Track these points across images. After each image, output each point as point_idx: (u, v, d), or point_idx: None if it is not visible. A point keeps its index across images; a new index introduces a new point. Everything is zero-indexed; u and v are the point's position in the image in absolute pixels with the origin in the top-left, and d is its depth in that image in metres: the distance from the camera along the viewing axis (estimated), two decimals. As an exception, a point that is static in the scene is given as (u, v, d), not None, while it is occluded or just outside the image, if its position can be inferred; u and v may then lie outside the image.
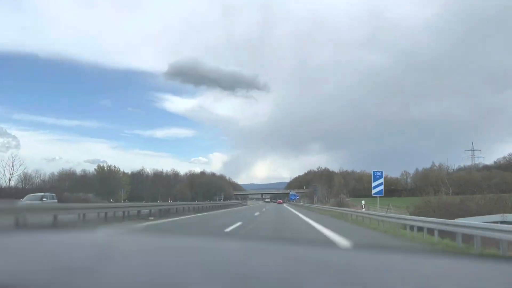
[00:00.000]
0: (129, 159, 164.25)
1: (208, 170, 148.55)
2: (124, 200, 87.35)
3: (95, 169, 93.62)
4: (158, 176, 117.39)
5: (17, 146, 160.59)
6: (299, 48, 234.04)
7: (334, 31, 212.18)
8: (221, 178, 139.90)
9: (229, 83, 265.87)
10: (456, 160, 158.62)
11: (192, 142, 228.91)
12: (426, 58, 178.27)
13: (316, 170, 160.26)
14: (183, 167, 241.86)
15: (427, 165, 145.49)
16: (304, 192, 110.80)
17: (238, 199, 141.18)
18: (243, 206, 49.49)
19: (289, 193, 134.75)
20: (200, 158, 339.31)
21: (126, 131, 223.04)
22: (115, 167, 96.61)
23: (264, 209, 38.31)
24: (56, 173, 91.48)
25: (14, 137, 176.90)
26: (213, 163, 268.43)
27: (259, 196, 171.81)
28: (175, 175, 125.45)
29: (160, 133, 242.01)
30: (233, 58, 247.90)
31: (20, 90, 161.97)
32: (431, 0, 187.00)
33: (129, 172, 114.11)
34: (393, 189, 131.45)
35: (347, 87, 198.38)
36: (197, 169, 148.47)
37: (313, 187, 57.67)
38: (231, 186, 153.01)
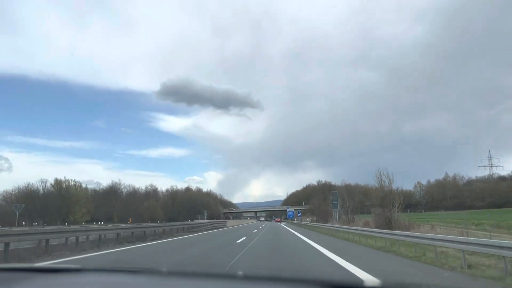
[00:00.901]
0: (123, 180, 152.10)
1: (204, 189, 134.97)
2: (85, 222, 70.43)
3: (51, 185, 76.36)
4: (132, 194, 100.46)
5: (10, 168, 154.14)
6: (291, 66, 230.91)
7: (325, 49, 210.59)
8: (208, 195, 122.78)
9: (222, 102, 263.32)
10: (455, 170, 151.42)
11: (186, 161, 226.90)
12: (417, 75, 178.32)
13: (315, 184, 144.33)
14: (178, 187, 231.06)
15: (423, 181, 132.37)
16: (306, 208, 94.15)
17: (229, 218, 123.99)
18: (213, 231, 29.75)
19: (286, 210, 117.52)
20: (195, 177, 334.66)
21: (120, 152, 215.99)
22: (75, 181, 79.47)
23: (243, 239, 19.30)
24: (10, 190, 74.80)
25: (6, 159, 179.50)
26: (208, 182, 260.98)
27: (253, 214, 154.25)
28: (154, 191, 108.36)
29: (154, 152, 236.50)
30: (225, 77, 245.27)
31: (12, 111, 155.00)
32: (420, 19, 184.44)
33: (99, 189, 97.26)
34: (407, 204, 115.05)
35: (339, 104, 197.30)
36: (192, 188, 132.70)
37: (332, 194, 38.91)
38: (221, 203, 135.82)
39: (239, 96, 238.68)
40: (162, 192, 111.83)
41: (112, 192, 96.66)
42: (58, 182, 76.56)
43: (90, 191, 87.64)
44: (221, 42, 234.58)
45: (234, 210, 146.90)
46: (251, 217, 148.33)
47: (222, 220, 45.95)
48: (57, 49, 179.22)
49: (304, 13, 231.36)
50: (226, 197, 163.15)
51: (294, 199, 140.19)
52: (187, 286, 1.45)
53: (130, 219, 57.84)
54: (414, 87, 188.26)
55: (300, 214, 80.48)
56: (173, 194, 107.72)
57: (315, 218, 55.72)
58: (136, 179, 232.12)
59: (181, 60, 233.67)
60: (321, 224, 37.18)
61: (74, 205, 75.52)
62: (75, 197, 75.85)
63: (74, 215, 74.00)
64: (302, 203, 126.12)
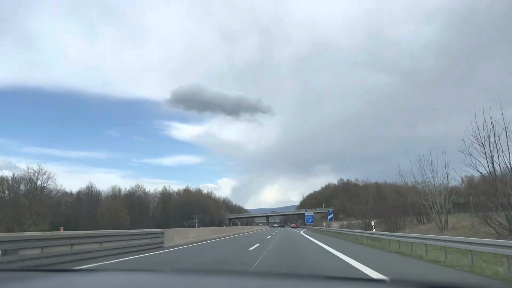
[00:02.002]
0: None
1: (218, 195, 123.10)
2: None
3: (-5, 185, 58.59)
4: (117, 197, 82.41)
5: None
6: (301, 70, 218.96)
7: (335, 53, 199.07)
8: (209, 197, 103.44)
9: (233, 108, 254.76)
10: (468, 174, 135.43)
11: (200, 168, 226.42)
12: (428, 77, 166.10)
13: (336, 183, 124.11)
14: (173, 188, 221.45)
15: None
16: (330, 209, 74.42)
17: (237, 224, 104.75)
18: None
19: (304, 213, 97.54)
20: (209, 184, 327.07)
21: (135, 160, 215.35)
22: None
23: None
24: None
25: (24, 171, 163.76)
26: (222, 188, 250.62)
27: (265, 220, 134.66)
28: (145, 194, 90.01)
29: (168, 160, 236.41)
30: (235, 83, 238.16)
31: (27, 123, 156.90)
32: (430, 19, 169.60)
33: (71, 191, 79.41)
34: (459, 202, 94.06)
35: (351, 107, 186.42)
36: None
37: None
38: (227, 208, 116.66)
39: (250, 102, 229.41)
40: (154, 194, 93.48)
41: (89, 195, 79.14)
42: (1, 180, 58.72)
43: (56, 194, 69.27)
44: (230, 48, 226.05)
45: (242, 215, 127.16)
46: (263, 223, 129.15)
47: (153, 231, 17.07)
48: (71, 61, 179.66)
49: (313, 17, 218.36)
50: (240, 204, 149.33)
51: (313, 200, 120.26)
52: (207, 284, 1.42)
53: (61, 228, 40.10)
54: (429, 89, 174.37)
55: (331, 216, 59.33)
56: (165, 197, 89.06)
57: (355, 221, 36.45)
58: (151, 187, 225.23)
59: (191, 68, 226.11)
60: (383, 233, 17.42)
61: (25, 211, 57.43)
62: (23, 202, 57.78)
63: (21, 224, 55.66)
64: (322, 205, 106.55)
